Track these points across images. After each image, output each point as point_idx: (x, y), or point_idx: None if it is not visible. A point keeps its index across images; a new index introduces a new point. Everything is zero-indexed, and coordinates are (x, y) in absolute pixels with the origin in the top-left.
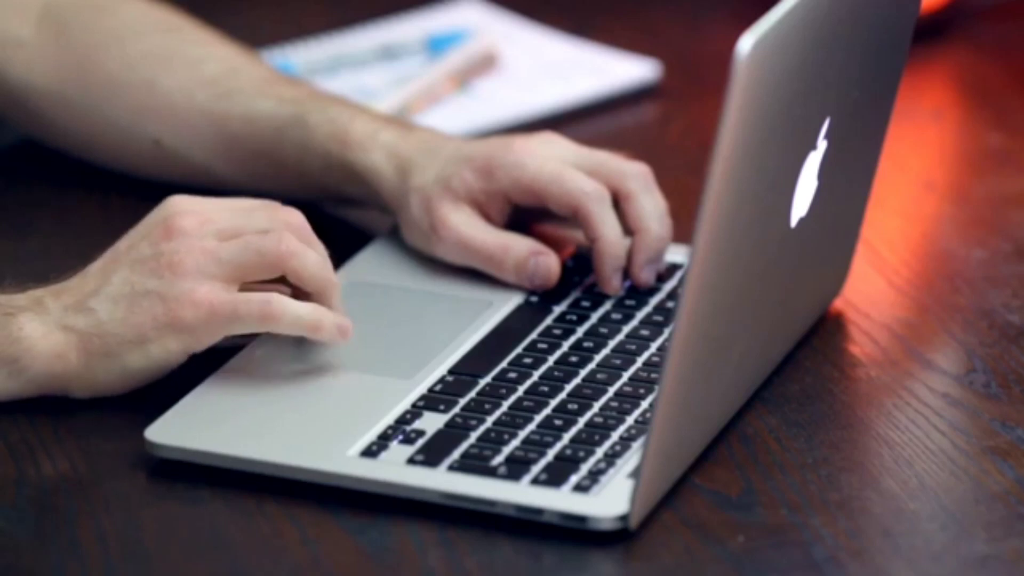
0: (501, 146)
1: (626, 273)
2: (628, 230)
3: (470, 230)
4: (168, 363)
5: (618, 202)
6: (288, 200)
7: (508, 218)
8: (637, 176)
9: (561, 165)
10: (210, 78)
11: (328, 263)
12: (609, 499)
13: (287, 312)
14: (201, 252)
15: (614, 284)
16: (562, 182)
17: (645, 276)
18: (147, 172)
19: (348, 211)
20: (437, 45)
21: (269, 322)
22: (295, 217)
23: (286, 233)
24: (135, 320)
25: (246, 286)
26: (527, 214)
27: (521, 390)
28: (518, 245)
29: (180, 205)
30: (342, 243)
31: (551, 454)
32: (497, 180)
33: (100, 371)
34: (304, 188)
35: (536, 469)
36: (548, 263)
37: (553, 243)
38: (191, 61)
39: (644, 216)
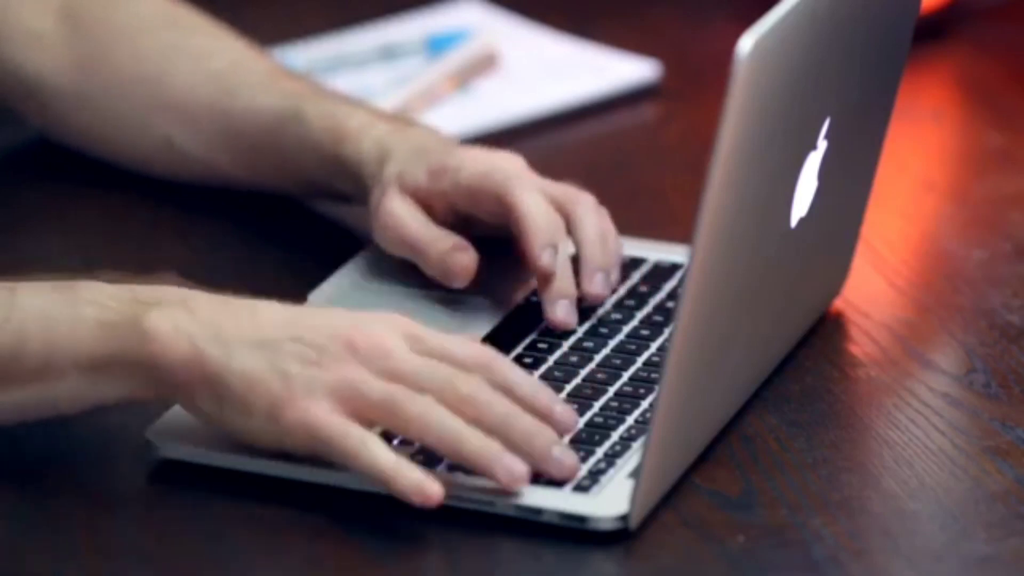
0: (457, 152)
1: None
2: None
3: (406, 219)
4: (261, 442)
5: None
6: (289, 199)
7: (454, 222)
8: (581, 202)
9: (501, 173)
10: (214, 73)
11: (474, 431)
12: (609, 499)
13: (365, 458)
14: (352, 377)
15: (543, 261)
16: (492, 176)
17: (594, 289)
18: (160, 169)
19: (347, 212)
20: (437, 45)
21: (350, 460)
22: (467, 389)
23: (423, 399)
24: (254, 387)
25: None
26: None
27: None
28: (443, 239)
29: (377, 325)
30: (341, 245)
31: None
32: (439, 181)
33: (203, 401)
34: (300, 184)
35: None
36: (463, 258)
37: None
38: (197, 56)
39: (581, 236)
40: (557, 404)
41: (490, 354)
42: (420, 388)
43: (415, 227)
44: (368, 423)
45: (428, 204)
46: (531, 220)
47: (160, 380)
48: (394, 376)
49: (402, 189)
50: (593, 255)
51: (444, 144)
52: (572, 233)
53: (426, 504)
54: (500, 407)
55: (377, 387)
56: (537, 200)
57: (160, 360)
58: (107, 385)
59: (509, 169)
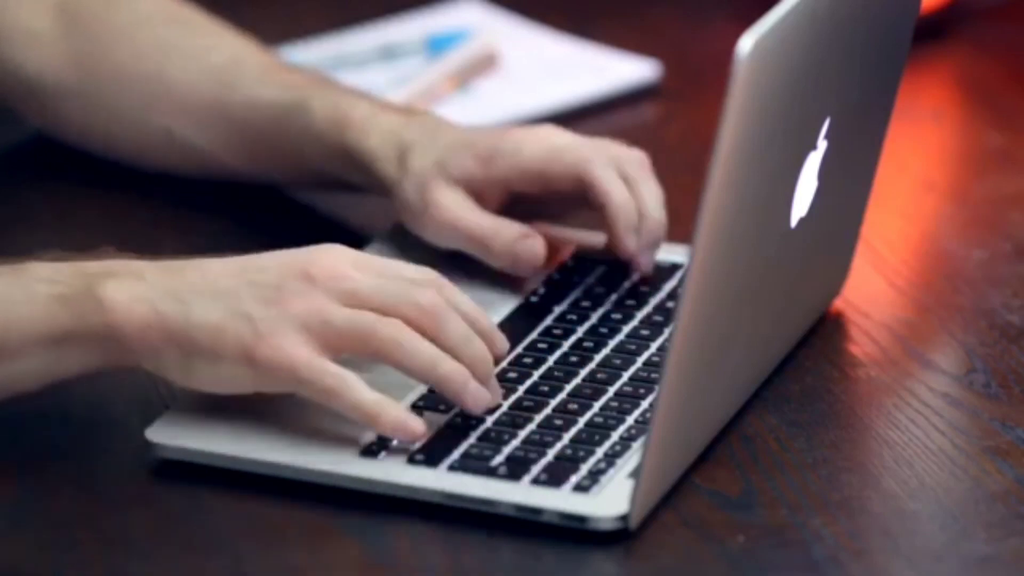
0: (501, 133)
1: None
2: None
3: (461, 211)
4: (233, 388)
5: None
6: (290, 197)
7: (503, 209)
8: (635, 162)
9: (560, 145)
10: (215, 67)
11: (445, 355)
12: (609, 499)
13: (348, 396)
14: (317, 307)
15: (629, 244)
16: (561, 157)
17: (645, 260)
18: (160, 163)
19: (349, 210)
20: (437, 45)
21: (331, 399)
22: (427, 300)
23: (394, 322)
24: (220, 334)
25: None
26: (524, 213)
27: (521, 390)
28: (507, 228)
29: (326, 255)
30: (343, 241)
31: (551, 454)
32: (497, 167)
33: (170, 361)
34: (306, 175)
35: (536, 469)
36: (535, 246)
37: (552, 243)
38: (197, 51)
39: (642, 202)
40: (496, 330)
41: (436, 274)
42: (382, 307)
43: (473, 219)
44: (339, 352)
45: (480, 191)
46: (617, 204)
47: (123, 349)
48: (354, 298)
49: (446, 178)
50: (648, 230)
51: (470, 130)
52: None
53: (411, 440)
54: (458, 325)
55: (344, 314)
56: (617, 181)
57: (121, 329)
58: (67, 359)
59: (573, 146)
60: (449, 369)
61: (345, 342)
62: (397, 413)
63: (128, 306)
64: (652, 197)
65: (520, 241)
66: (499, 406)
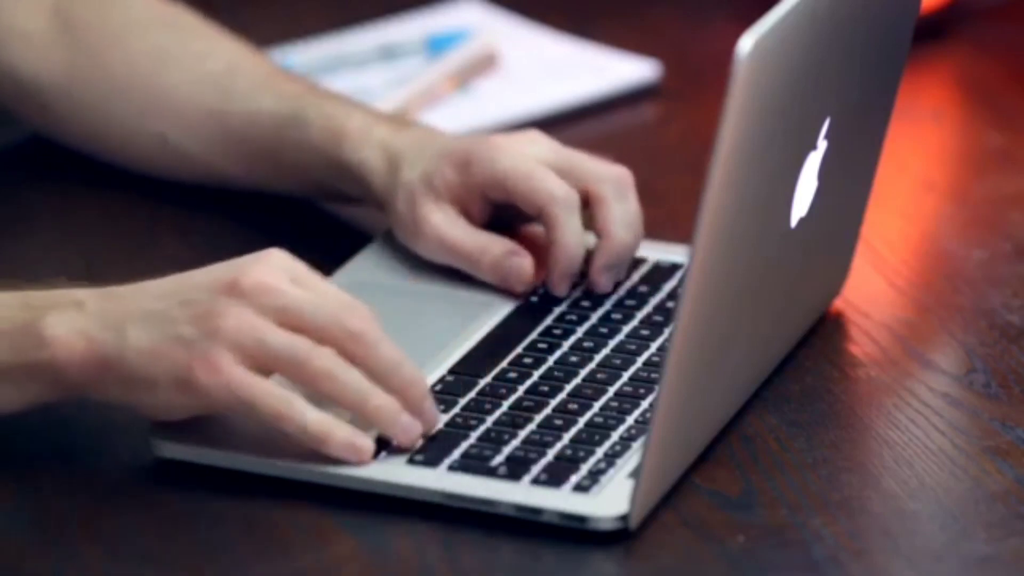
0: (480, 142)
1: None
2: (596, 233)
3: (450, 229)
4: (176, 413)
5: (588, 205)
6: (289, 197)
7: (489, 215)
8: (611, 180)
9: (535, 164)
10: (211, 74)
11: (376, 386)
12: (609, 499)
13: (295, 421)
14: (249, 325)
15: (561, 289)
16: (531, 181)
17: (603, 281)
18: (155, 168)
19: (349, 210)
20: (437, 45)
21: (279, 423)
22: (358, 325)
23: (328, 353)
24: (155, 361)
25: None
26: (516, 216)
27: (521, 390)
28: (495, 246)
29: (258, 267)
30: (342, 243)
31: (551, 454)
32: (473, 175)
33: (112, 391)
34: (303, 185)
35: (536, 469)
36: (522, 264)
37: (543, 246)
38: (193, 58)
39: (611, 222)
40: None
41: (360, 304)
42: (312, 328)
43: (461, 236)
44: (271, 373)
45: (462, 198)
46: (563, 250)
47: (65, 382)
48: (284, 314)
49: (433, 192)
50: (609, 250)
51: (453, 138)
52: (596, 220)
53: (360, 460)
54: (387, 351)
55: (279, 338)
56: (573, 227)
57: (60, 363)
58: (10, 394)
59: (545, 168)
60: (378, 404)
61: (278, 365)
62: (343, 434)
63: (66, 341)
64: (622, 217)
65: (507, 259)
66: (501, 406)
